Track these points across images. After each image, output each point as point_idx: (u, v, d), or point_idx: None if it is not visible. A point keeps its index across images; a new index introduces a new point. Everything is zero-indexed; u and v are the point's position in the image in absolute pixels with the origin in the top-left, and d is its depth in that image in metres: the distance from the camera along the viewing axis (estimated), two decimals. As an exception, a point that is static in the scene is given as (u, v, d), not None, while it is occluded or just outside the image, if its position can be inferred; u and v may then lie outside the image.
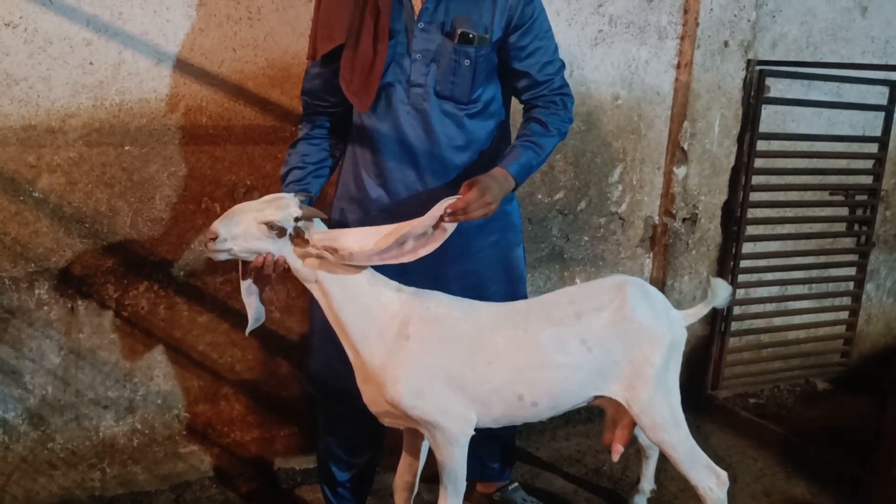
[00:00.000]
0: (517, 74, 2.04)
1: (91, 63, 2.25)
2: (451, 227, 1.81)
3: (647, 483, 2.52)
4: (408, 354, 1.89)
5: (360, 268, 1.90)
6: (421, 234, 1.80)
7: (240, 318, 2.56)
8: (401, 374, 1.88)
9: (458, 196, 1.81)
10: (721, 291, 2.16)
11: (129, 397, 2.51)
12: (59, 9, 2.18)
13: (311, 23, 2.03)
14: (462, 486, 2.02)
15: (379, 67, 1.89)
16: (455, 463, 1.98)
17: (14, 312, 2.32)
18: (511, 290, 2.18)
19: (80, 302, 2.39)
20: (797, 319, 3.58)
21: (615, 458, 2.20)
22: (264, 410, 2.69)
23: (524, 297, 2.25)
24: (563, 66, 2.08)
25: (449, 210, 1.77)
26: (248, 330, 1.98)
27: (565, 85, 2.08)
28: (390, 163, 2.02)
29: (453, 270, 2.10)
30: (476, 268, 2.13)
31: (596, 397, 2.06)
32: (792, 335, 3.58)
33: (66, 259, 2.34)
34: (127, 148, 2.34)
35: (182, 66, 2.35)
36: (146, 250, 2.43)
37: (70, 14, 2.20)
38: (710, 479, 2.10)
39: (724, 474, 2.12)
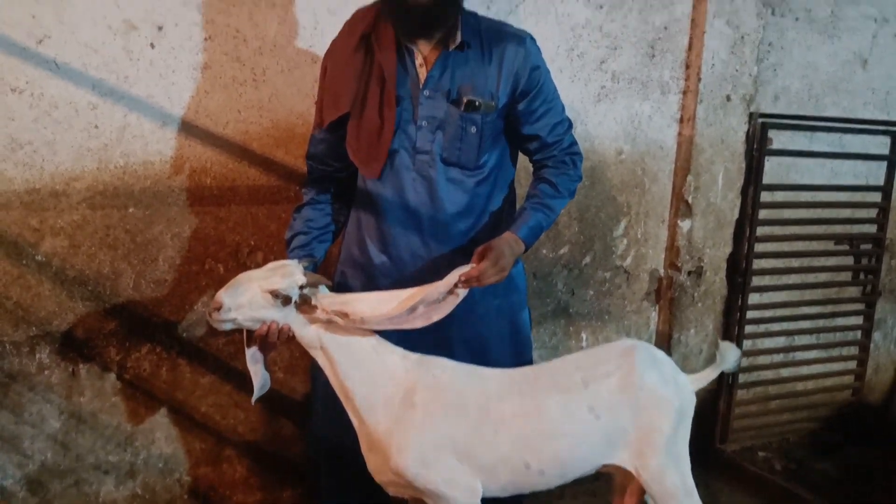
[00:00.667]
0: (527, 138, 2.05)
1: (96, 126, 2.25)
2: (462, 293, 1.81)
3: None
4: (413, 423, 1.86)
5: (366, 333, 1.88)
6: (433, 301, 1.78)
7: (242, 378, 2.53)
8: (406, 443, 1.84)
9: (471, 265, 1.81)
10: (730, 355, 2.14)
11: (130, 461, 2.47)
12: (65, 73, 2.19)
13: (318, 92, 2.04)
14: None
15: (388, 135, 1.89)
16: None
17: (15, 377, 2.29)
18: (517, 354, 2.16)
19: (81, 365, 2.36)
20: (805, 370, 3.55)
21: (625, 527, 2.16)
22: (268, 472, 2.65)
23: (530, 360, 2.22)
24: (571, 125, 2.09)
25: (463, 278, 1.78)
26: (254, 398, 1.95)
27: (574, 143, 2.09)
28: (394, 229, 2.00)
29: (458, 335, 2.07)
30: (481, 332, 2.11)
31: (605, 465, 2.03)
32: (800, 386, 3.54)
33: (68, 322, 2.32)
34: (131, 210, 2.34)
35: (187, 128, 2.35)
36: (149, 312, 2.41)
37: (76, 78, 2.21)
38: (722, 548, 2.06)
39: (736, 543, 2.07)
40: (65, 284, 2.30)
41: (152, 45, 2.27)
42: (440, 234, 1.99)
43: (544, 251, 2.90)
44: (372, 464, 1.93)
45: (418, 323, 1.80)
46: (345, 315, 1.81)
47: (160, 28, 2.27)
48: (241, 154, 2.43)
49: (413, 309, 1.78)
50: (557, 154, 2.05)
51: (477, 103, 1.91)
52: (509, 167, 2.11)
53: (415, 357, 1.93)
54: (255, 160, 2.45)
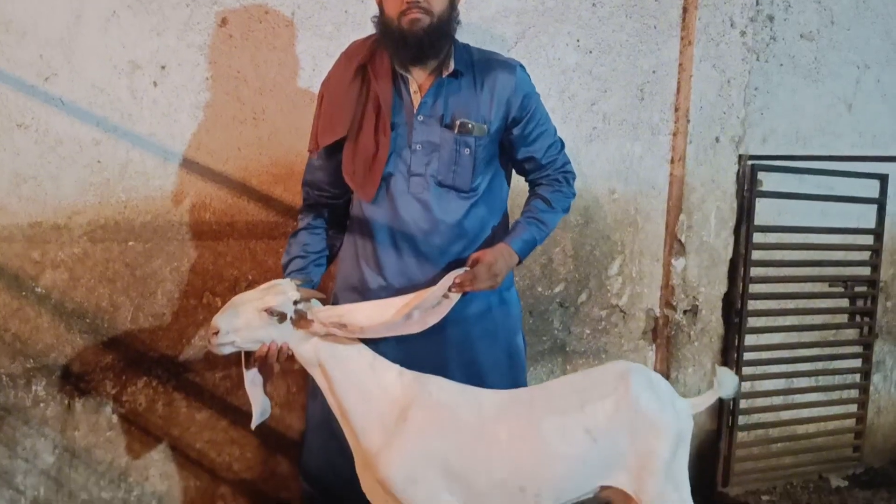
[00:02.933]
0: (523, 161, 2.12)
1: (99, 162, 2.31)
2: (455, 297, 1.87)
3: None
4: (406, 438, 1.85)
5: (363, 351, 1.90)
6: (428, 306, 1.83)
7: (239, 414, 2.52)
8: (396, 458, 1.84)
9: (465, 269, 1.88)
10: (728, 381, 2.14)
11: (123, 498, 2.43)
12: (70, 110, 2.26)
13: (314, 118, 2.11)
14: None
15: (382, 159, 1.96)
16: None
17: (10, 410, 2.28)
18: (512, 377, 2.16)
19: (77, 399, 2.36)
20: (805, 413, 3.52)
21: (621, 551, 2.11)
22: (262, 512, 2.61)
23: (525, 385, 2.22)
24: (563, 145, 2.17)
25: (457, 281, 1.84)
26: (253, 424, 1.95)
27: (567, 163, 2.17)
28: (390, 252, 2.04)
29: (454, 360, 2.09)
30: (476, 357, 2.12)
31: (602, 488, 2.01)
32: (801, 429, 3.51)
33: (65, 355, 2.33)
34: (131, 244, 2.37)
35: (188, 164, 2.41)
36: (146, 346, 2.42)
37: (81, 115, 2.28)
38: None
39: (737, 571, 2.03)
40: (63, 317, 2.32)
41: (155, 84, 2.35)
42: (435, 257, 2.03)
43: (539, 288, 2.93)
44: (366, 483, 1.92)
45: (414, 328, 1.83)
46: (343, 326, 1.83)
47: (163, 68, 2.35)
48: (240, 190, 2.48)
49: (409, 315, 1.81)
50: (551, 173, 2.13)
51: (469, 126, 1.98)
52: (503, 190, 2.17)
53: (411, 374, 1.94)
54: (253, 196, 2.50)
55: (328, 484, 2.14)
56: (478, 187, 2.05)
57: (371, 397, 1.89)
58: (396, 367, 1.94)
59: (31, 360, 2.29)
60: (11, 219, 2.23)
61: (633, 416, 1.95)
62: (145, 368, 2.43)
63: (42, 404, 2.32)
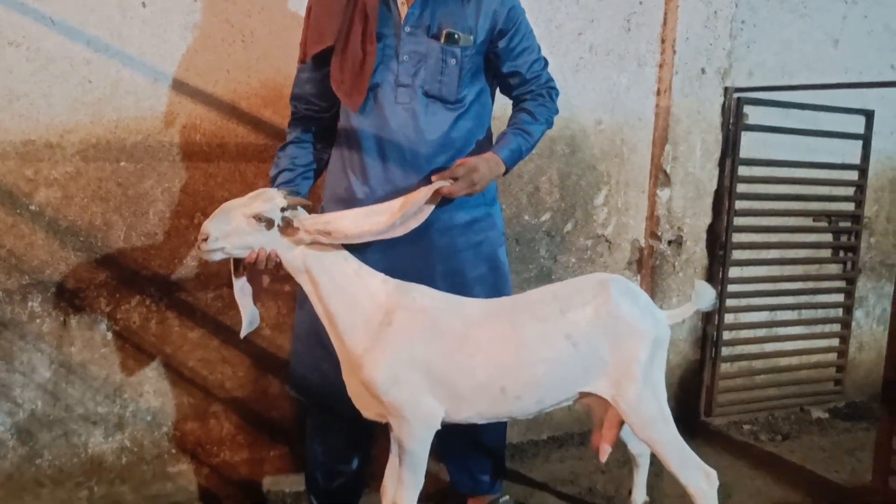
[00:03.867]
0: (507, 75, 2.16)
1: (90, 81, 2.34)
2: (435, 202, 1.92)
3: (640, 494, 2.48)
4: (389, 341, 1.92)
5: (348, 259, 1.96)
6: (411, 212, 1.89)
7: (230, 334, 2.58)
8: (380, 359, 1.90)
9: (448, 176, 1.95)
10: (705, 294, 2.19)
11: (118, 413, 2.50)
12: (61, 29, 2.29)
13: (303, 30, 2.14)
14: (420, 480, 2.02)
15: (369, 68, 1.99)
16: (415, 455, 1.99)
17: (6, 325, 2.34)
18: (496, 288, 2.22)
19: (72, 315, 2.41)
20: (788, 346, 3.59)
21: (602, 458, 2.18)
22: (254, 430, 2.68)
23: (509, 294, 2.28)
24: (546, 62, 2.22)
25: (434, 179, 1.91)
26: (242, 333, 2.00)
27: (551, 80, 2.21)
28: (376, 162, 2.09)
29: (439, 270, 2.14)
30: (461, 267, 2.17)
31: (582, 394, 2.07)
32: (784, 362, 3.58)
33: (59, 272, 2.38)
34: (122, 163, 2.41)
35: (178, 85, 2.44)
36: (139, 265, 2.47)
37: (72, 34, 2.31)
38: (699, 478, 2.09)
39: (713, 473, 2.11)
40: (57, 234, 2.37)
41: (144, 5, 2.37)
42: (421, 167, 2.07)
43: (526, 217, 2.98)
44: (352, 387, 1.99)
45: (398, 232, 1.89)
46: (327, 233, 1.88)
47: (153, -13, 2.37)
48: (229, 112, 2.52)
49: (392, 221, 1.86)
50: (535, 88, 2.17)
51: (456, 36, 2.02)
52: (488, 105, 2.20)
53: (394, 282, 1.99)
54: (243, 119, 2.53)
55: (316, 390, 2.20)
56: (464, 99, 2.09)
57: (356, 302, 1.94)
58: (381, 275, 2.00)
59: (27, 276, 2.34)
60: (5, 135, 2.26)
61: (614, 323, 2.01)
62: (138, 287, 2.48)
63: (38, 320, 2.37)
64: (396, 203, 1.92)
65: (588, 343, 2.00)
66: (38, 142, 2.31)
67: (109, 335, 2.46)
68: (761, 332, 3.53)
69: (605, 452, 2.18)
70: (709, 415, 3.38)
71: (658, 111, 3.13)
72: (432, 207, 1.95)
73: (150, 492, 2.56)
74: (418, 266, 2.11)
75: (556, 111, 2.22)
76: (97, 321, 2.44)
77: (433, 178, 1.94)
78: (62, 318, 2.40)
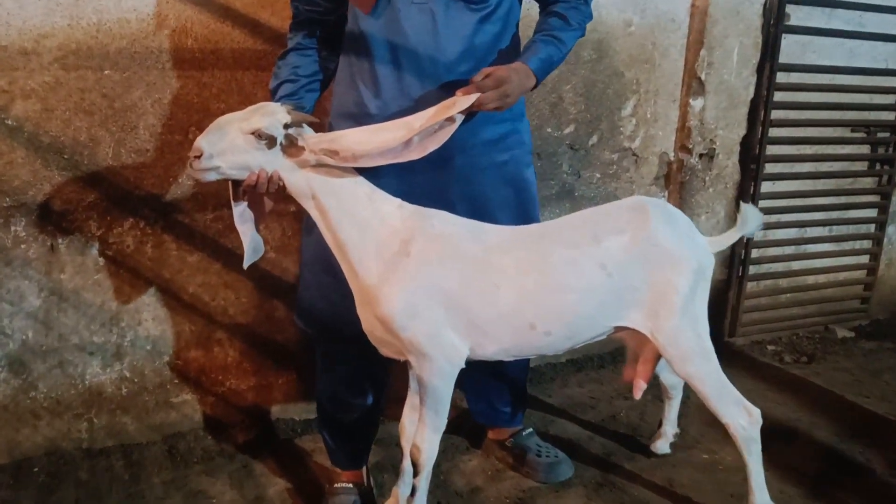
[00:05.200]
0: None
1: (64, -23, 2.08)
2: (459, 119, 1.68)
3: (670, 426, 2.38)
4: (406, 272, 1.74)
5: (359, 180, 1.76)
6: (429, 131, 1.66)
7: (232, 257, 2.41)
8: (396, 292, 1.73)
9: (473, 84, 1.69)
10: (752, 218, 2.03)
11: (116, 342, 2.36)
12: (27, -84, 2.01)
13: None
14: (443, 420, 1.89)
15: None
16: (438, 395, 1.84)
17: (-11, 251, 2.16)
18: (522, 213, 2.03)
19: (60, 239, 2.23)
20: (816, 263, 3.43)
21: (637, 395, 2.06)
22: (260, 356, 2.54)
23: (537, 220, 2.09)
24: None
25: (459, 94, 1.66)
26: (245, 263, 1.82)
27: None
28: (389, 71, 1.85)
29: (459, 192, 1.94)
30: (483, 190, 1.97)
31: (616, 329, 1.92)
32: (811, 280, 3.43)
33: (44, 193, 2.18)
34: (107, 72, 2.18)
35: (164, -18, 2.17)
36: (130, 184, 2.27)
37: (40, -78, 2.03)
38: (741, 415, 1.96)
39: (756, 411, 1.98)
40: (39, 152, 2.16)
41: None
42: (440, 77, 1.83)
43: (548, 129, 2.75)
44: (366, 321, 1.83)
45: (413, 154, 1.68)
46: (335, 153, 1.68)
47: None
48: (223, 14, 2.26)
49: (408, 141, 1.64)
50: None
51: None
52: (516, 7, 1.95)
53: (411, 207, 1.80)
54: (239, 21, 2.28)
55: (325, 323, 2.04)
56: (489, -1, 1.83)
57: (369, 229, 1.76)
58: (397, 199, 1.81)
59: (7, 198, 2.15)
60: (-29, 41, 2.02)
61: (651, 250, 1.84)
62: (131, 208, 2.29)
63: (23, 245, 2.20)
64: (414, 120, 1.69)
65: (624, 273, 1.83)
66: (10, 48, 2.07)
67: (102, 260, 2.29)
68: (790, 250, 3.37)
69: (639, 389, 2.05)
70: (732, 335, 3.26)
71: (693, 11, 2.85)
72: (455, 126, 1.70)
73: (153, 421, 2.45)
74: (437, 189, 1.91)
75: (591, 16, 1.96)
76: (88, 245, 2.26)
77: (458, 91, 1.69)
78: (49, 243, 2.22)
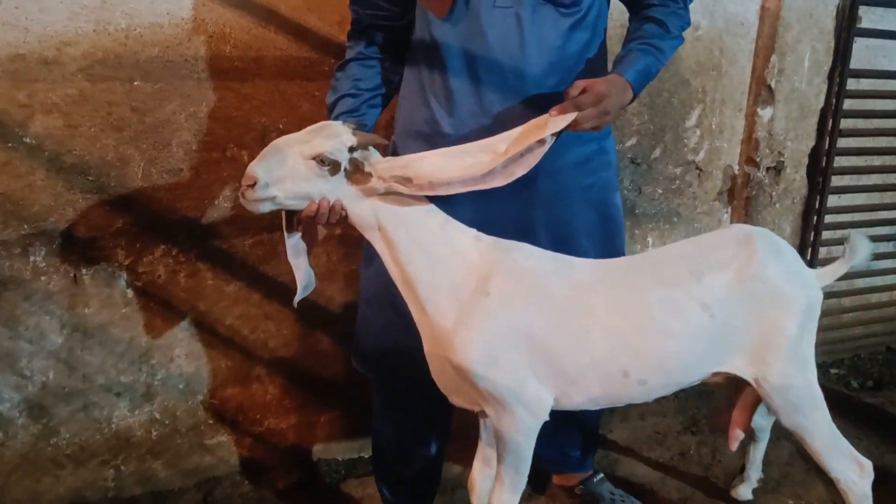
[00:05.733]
0: None
1: (91, -22, 1.85)
2: (551, 141, 1.46)
3: (755, 471, 2.18)
4: (486, 313, 1.52)
5: (431, 210, 1.55)
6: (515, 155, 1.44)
7: (273, 286, 2.19)
8: (474, 336, 1.52)
9: (568, 104, 1.47)
10: (860, 248, 1.83)
11: (146, 382, 2.13)
12: None
13: None
14: (523, 479, 1.68)
15: None
16: (519, 452, 1.64)
17: (6, 283, 1.94)
18: (608, 243, 1.82)
19: (84, 270, 2.01)
20: (879, 281, 3.23)
21: (733, 446, 1.85)
22: (303, 393, 2.32)
23: (622, 253, 1.87)
24: None
25: (554, 115, 1.44)
26: (297, 299, 1.60)
27: None
28: (467, 85, 1.62)
29: (541, 219, 1.73)
30: (568, 216, 1.76)
31: (713, 374, 1.71)
32: (874, 298, 3.23)
33: (66, 219, 1.96)
34: (137, 83, 1.95)
35: (201, -18, 1.95)
36: (162, 207, 2.04)
37: (64, -84, 1.80)
38: (852, 469, 1.76)
39: (868, 464, 1.77)
40: (61, 173, 1.93)
41: None
42: (525, 91, 1.61)
43: (610, 142, 2.54)
44: (435, 367, 1.61)
45: (497, 181, 1.46)
46: (408, 181, 1.46)
47: None
48: (266, 18, 2.03)
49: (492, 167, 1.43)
50: None
51: None
52: (605, 12, 1.72)
53: (489, 239, 1.59)
54: (283, 26, 2.05)
55: (388, 365, 1.83)
56: (581, 1, 1.61)
57: (443, 264, 1.55)
58: (473, 230, 1.59)
59: (26, 225, 1.92)
60: (-13, 50, 1.79)
61: (758, 288, 1.63)
62: (163, 234, 2.06)
63: (44, 277, 1.97)
64: (499, 142, 1.47)
65: (727, 313, 1.61)
66: (29, 57, 1.84)
67: (130, 292, 2.06)
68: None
69: (736, 440, 1.84)
70: (794, 359, 3.05)
71: (764, 14, 2.63)
72: (546, 149, 1.48)
73: (186, 466, 2.23)
74: (517, 216, 1.70)
75: (689, 22, 1.74)
76: (115, 276, 2.04)
77: (553, 110, 1.47)
78: (73, 274, 2.00)
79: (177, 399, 2.18)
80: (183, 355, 2.16)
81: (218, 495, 2.20)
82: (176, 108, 2.00)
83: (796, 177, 2.85)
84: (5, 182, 1.88)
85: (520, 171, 1.48)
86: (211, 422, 2.23)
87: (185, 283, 2.11)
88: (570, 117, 1.46)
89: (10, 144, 1.86)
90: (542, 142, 1.47)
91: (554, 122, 1.46)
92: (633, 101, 1.63)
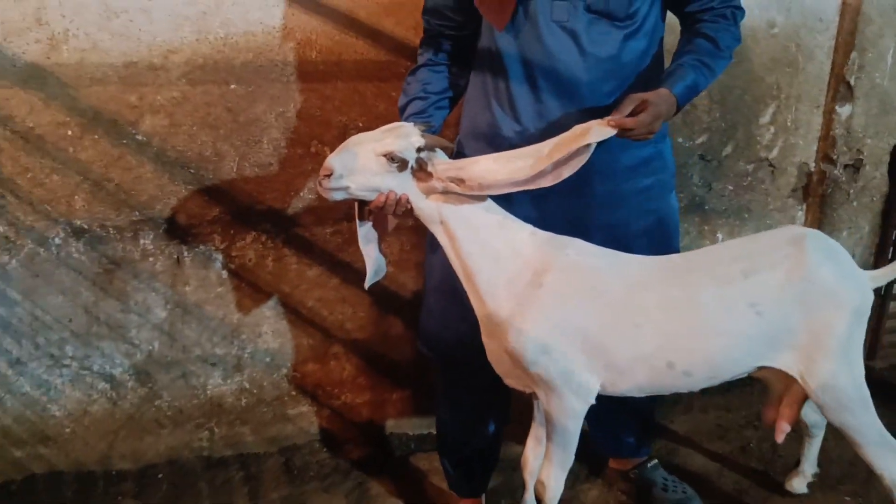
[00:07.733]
0: None
1: (193, -9, 2.06)
2: (594, 144, 1.54)
3: (810, 466, 2.21)
4: (540, 305, 1.64)
5: (491, 208, 1.67)
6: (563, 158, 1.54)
7: (350, 272, 2.37)
8: (529, 326, 1.64)
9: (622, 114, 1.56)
10: None
11: (236, 355, 2.36)
12: (158, -68, 1.99)
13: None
14: (570, 458, 1.80)
15: None
16: (567, 433, 1.75)
17: (119, 263, 2.19)
18: (663, 244, 1.89)
19: (185, 253, 2.24)
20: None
21: (779, 439, 1.89)
22: (376, 372, 2.51)
23: (677, 251, 1.94)
24: None
25: (612, 123, 1.53)
26: (367, 283, 1.75)
27: None
28: (526, 91, 1.74)
29: (597, 219, 1.82)
30: (624, 219, 1.85)
31: (760, 368, 1.76)
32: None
33: (170, 207, 2.19)
34: (232, 86, 2.15)
35: (289, -7, 2.13)
36: (253, 198, 2.25)
37: (170, -63, 2.01)
38: (898, 465, 1.78)
39: (915, 461, 1.79)
40: (166, 166, 2.16)
41: None
42: (582, 99, 1.71)
43: (680, 139, 2.58)
44: (492, 352, 1.75)
45: (546, 182, 1.56)
46: (461, 181, 1.59)
47: None
48: (347, 24, 2.19)
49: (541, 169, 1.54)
50: (717, 6, 1.74)
51: None
52: (660, 22, 1.80)
53: (545, 235, 1.70)
54: (362, 31, 2.21)
55: (448, 349, 1.97)
56: (636, 14, 1.69)
57: (500, 258, 1.67)
58: (529, 226, 1.70)
59: (137, 212, 2.17)
60: (104, 57, 2.03)
61: (809, 288, 1.67)
62: (253, 222, 2.27)
63: (151, 258, 2.21)
64: (543, 147, 1.57)
65: (776, 312, 1.67)
66: (140, 64, 2.07)
67: (224, 273, 2.29)
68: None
69: (782, 433, 1.88)
70: (872, 358, 3.02)
71: (844, 9, 2.60)
72: (590, 153, 1.57)
73: (270, 433, 2.45)
74: (574, 216, 1.80)
75: (740, 40, 1.79)
76: (212, 259, 2.27)
77: (609, 120, 1.56)
78: (175, 256, 2.24)
79: (263, 371, 2.40)
80: (269, 332, 2.37)
81: (297, 461, 2.41)
82: (265, 109, 2.19)
83: (876, 174, 2.81)
84: (118, 174, 2.12)
85: (567, 172, 1.57)
86: (293, 393, 2.45)
87: (272, 267, 2.32)
88: (611, 132, 1.54)
89: (123, 141, 2.10)
90: (587, 146, 1.57)
91: (595, 132, 1.55)
92: (676, 113, 1.70)
